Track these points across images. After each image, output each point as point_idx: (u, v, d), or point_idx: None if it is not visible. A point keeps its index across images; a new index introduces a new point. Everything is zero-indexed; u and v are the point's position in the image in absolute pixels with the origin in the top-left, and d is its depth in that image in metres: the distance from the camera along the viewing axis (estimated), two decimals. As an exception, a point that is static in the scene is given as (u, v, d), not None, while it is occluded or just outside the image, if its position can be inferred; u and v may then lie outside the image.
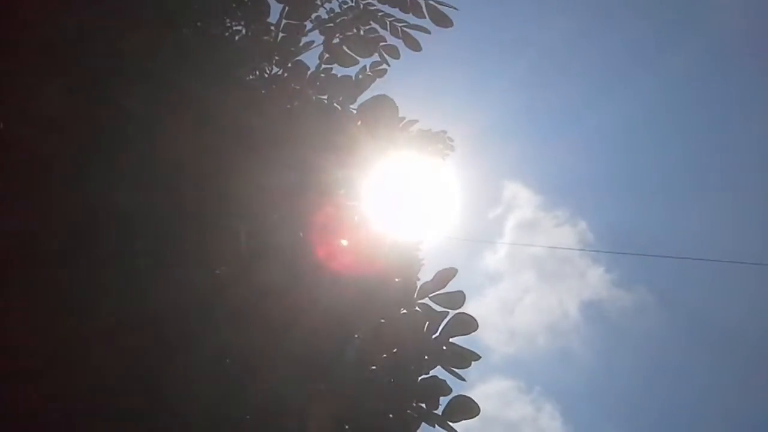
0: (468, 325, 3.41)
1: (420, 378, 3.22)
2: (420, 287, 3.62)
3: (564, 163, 24.10)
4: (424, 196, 4.59)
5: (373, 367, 3.31)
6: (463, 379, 3.28)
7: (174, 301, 2.95)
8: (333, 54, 3.65)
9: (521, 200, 24.03)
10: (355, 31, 3.63)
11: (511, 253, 21.76)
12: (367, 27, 3.61)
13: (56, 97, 3.15)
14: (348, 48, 3.60)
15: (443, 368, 3.33)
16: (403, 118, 3.81)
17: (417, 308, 3.60)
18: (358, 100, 3.72)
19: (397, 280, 3.73)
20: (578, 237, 22.27)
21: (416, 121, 3.79)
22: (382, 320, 3.62)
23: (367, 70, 3.79)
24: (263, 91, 3.77)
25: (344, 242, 3.90)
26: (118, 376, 2.71)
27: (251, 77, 3.62)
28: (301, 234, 3.59)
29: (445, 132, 4.29)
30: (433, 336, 3.44)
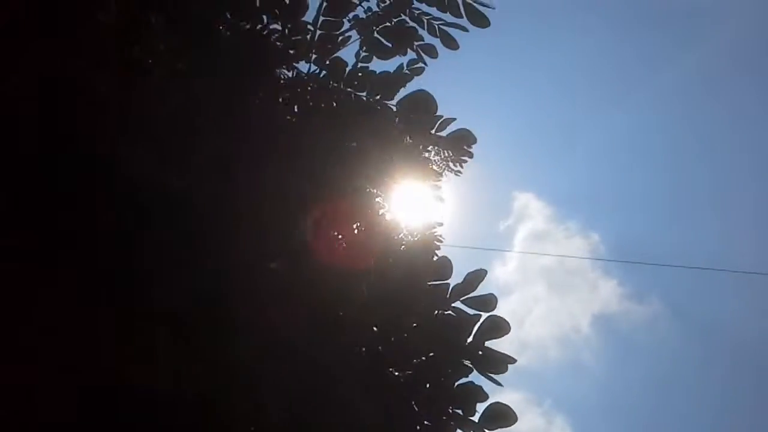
0: (501, 328, 3.36)
1: (456, 383, 3.17)
2: (452, 289, 3.57)
3: (576, 174, 23.83)
4: (437, 204, 4.54)
5: (409, 372, 3.27)
6: (500, 384, 3.23)
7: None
8: (370, 46, 3.61)
9: (532, 211, 23.79)
10: (388, 24, 3.59)
11: (522, 264, 21.56)
12: (399, 18, 3.57)
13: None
14: (384, 39, 3.56)
15: (479, 373, 3.28)
16: (441, 117, 3.77)
17: (450, 311, 3.55)
18: (396, 97, 3.68)
19: (429, 283, 3.69)
20: (590, 249, 22.01)
21: (454, 119, 3.74)
22: (415, 324, 3.59)
23: (405, 68, 3.74)
24: (299, 90, 3.74)
25: (377, 242, 3.88)
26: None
27: (289, 75, 3.60)
28: (335, 233, 3.57)
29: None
30: (468, 340, 3.39)
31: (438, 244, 5.94)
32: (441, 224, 5.20)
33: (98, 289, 2.85)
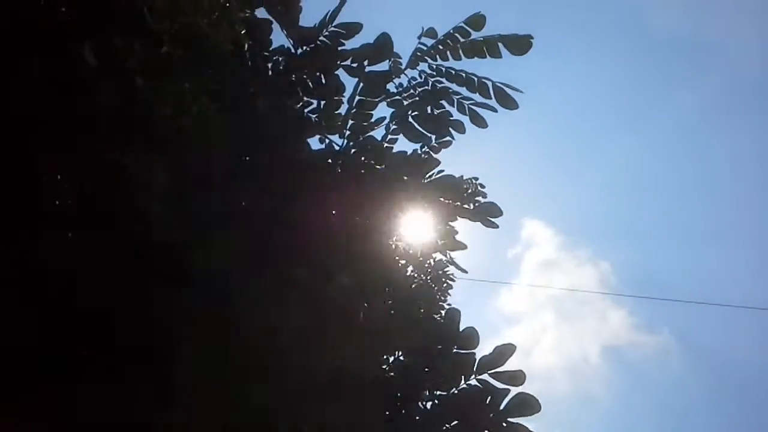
0: (531, 406, 3.41)
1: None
2: (479, 361, 3.64)
3: (586, 202, 23.74)
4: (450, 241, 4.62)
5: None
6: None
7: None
8: (402, 128, 3.72)
9: (541, 239, 23.77)
10: (429, 110, 3.69)
11: (531, 293, 21.46)
12: (441, 110, 3.66)
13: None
14: (419, 125, 3.66)
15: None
16: (467, 189, 3.87)
17: (476, 383, 3.63)
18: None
19: (455, 350, 3.77)
20: (600, 278, 21.94)
21: (483, 192, 3.84)
22: (441, 392, 3.68)
23: (433, 141, 3.86)
24: (329, 160, 3.85)
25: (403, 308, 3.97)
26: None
27: (322, 147, 3.71)
28: (365, 301, 3.66)
29: (476, 179, 4.42)
30: (492, 414, 3.47)
31: (450, 283, 6.03)
32: (453, 262, 5.30)
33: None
